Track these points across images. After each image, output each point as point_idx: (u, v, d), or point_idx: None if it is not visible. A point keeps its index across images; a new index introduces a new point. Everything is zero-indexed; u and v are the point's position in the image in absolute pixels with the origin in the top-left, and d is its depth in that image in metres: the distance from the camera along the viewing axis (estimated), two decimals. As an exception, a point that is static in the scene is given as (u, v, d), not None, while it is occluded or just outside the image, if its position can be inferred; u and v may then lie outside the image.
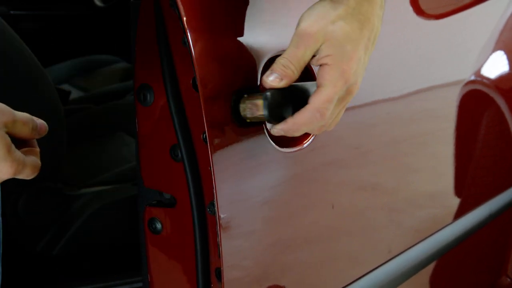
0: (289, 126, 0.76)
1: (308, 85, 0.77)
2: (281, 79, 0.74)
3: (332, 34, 0.74)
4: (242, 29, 0.80)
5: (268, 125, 0.82)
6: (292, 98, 0.76)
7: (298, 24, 0.75)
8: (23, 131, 0.68)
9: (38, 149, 0.71)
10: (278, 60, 0.75)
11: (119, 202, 1.48)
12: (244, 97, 0.77)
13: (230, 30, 0.79)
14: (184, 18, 0.74)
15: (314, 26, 0.74)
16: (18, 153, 0.65)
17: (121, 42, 2.01)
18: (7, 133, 0.65)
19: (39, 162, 0.69)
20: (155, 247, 0.89)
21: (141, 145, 0.87)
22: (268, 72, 0.75)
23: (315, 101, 0.74)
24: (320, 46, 0.74)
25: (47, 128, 0.71)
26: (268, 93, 0.74)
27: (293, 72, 0.74)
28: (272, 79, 0.74)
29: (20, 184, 1.32)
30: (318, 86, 0.74)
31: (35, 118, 0.70)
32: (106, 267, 1.46)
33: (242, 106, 0.77)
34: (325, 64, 0.74)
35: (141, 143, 0.87)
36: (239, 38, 0.79)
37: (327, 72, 0.74)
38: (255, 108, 0.76)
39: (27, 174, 0.67)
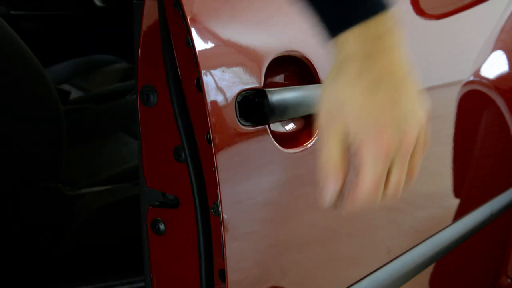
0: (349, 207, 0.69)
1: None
2: (335, 185, 0.67)
3: (351, 110, 0.64)
4: (246, 30, 0.80)
5: (272, 126, 0.82)
6: None
7: (320, 110, 0.67)
8: None
9: None
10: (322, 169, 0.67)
11: (119, 202, 1.48)
12: None
13: (234, 30, 0.79)
14: (188, 18, 0.74)
15: (331, 107, 0.65)
16: None
17: (121, 42, 2.01)
18: None
19: None
20: (158, 248, 0.88)
21: (144, 146, 0.87)
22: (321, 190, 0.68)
23: (359, 191, 0.67)
24: (348, 124, 0.65)
25: None
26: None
27: (338, 172, 0.67)
28: (329, 196, 0.67)
29: (20, 184, 1.33)
30: (357, 173, 0.67)
31: None
32: (106, 267, 1.46)
33: None
34: (356, 149, 0.66)
35: (144, 144, 0.87)
36: (243, 39, 0.79)
37: (359, 159, 0.65)
38: None
39: None
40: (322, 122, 0.67)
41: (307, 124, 0.88)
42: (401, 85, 0.65)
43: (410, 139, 0.66)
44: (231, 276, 0.79)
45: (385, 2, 0.64)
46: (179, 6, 0.74)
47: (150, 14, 0.83)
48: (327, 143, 0.66)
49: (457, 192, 1.38)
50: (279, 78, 0.86)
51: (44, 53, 1.65)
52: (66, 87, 2.25)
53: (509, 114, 1.50)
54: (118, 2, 2.58)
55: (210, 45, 0.75)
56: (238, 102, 0.77)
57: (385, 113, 0.64)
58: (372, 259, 1.11)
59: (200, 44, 0.74)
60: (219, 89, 0.76)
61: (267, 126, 0.81)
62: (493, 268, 1.67)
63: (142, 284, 0.99)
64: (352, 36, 0.63)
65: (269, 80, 0.83)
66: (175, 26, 0.80)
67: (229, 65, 0.77)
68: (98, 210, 1.45)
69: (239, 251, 0.81)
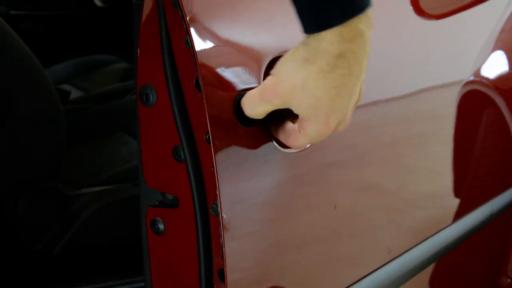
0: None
1: None
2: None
3: (301, 98, 0.71)
4: (245, 29, 0.80)
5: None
6: None
7: (271, 75, 0.73)
8: None
9: None
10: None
11: (119, 202, 1.48)
12: None
13: (233, 30, 0.79)
14: (187, 18, 0.74)
15: (282, 85, 0.72)
16: None
17: (121, 42, 2.02)
18: None
19: None
20: (157, 248, 0.88)
21: (143, 146, 0.87)
22: None
23: (292, 142, 0.78)
24: (289, 104, 0.73)
25: None
26: None
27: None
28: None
29: (20, 184, 1.33)
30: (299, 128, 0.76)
31: None
32: (106, 267, 1.46)
33: None
34: (300, 124, 0.75)
35: (143, 143, 0.87)
36: (242, 39, 0.79)
37: (302, 126, 0.74)
38: None
39: None
40: (269, 83, 0.73)
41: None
42: (360, 79, 0.72)
43: (346, 122, 0.76)
44: (230, 276, 0.79)
45: (362, 4, 0.68)
46: (178, 6, 0.74)
47: (149, 14, 0.82)
48: (262, 100, 0.73)
49: (457, 192, 1.38)
50: (278, 78, 0.86)
51: (44, 53, 1.65)
52: (66, 87, 2.25)
53: (509, 114, 1.49)
54: (118, 2, 2.58)
55: (209, 45, 0.75)
56: (237, 102, 0.77)
57: (340, 102, 0.71)
58: (372, 259, 1.11)
59: (199, 44, 0.74)
60: (218, 89, 0.76)
61: (266, 126, 0.81)
62: (493, 268, 1.67)
63: (142, 284, 0.99)
64: (328, 36, 0.67)
65: (268, 80, 0.83)
66: (174, 26, 0.80)
67: (228, 65, 0.77)
68: (98, 210, 1.45)
69: (239, 251, 0.81)
